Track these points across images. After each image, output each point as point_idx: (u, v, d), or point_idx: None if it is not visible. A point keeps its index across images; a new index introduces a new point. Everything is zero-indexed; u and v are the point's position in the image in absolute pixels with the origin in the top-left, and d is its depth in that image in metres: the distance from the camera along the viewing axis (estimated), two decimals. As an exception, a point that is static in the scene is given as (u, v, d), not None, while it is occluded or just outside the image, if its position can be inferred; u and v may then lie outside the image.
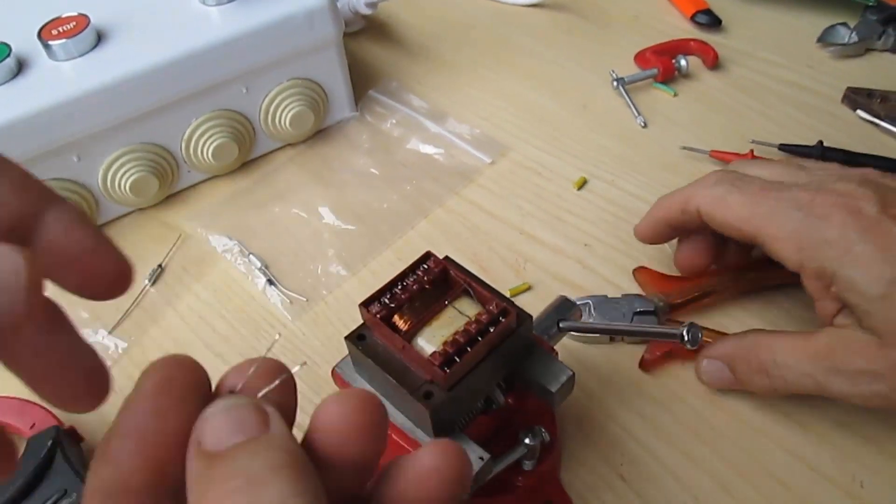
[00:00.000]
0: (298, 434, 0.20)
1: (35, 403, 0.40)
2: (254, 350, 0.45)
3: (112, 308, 0.48)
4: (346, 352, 0.32)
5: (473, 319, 0.30)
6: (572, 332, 0.39)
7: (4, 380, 0.21)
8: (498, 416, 0.35)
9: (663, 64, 0.59)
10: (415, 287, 0.31)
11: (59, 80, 0.48)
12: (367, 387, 0.32)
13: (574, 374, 0.32)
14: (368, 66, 0.66)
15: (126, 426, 0.18)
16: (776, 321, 0.43)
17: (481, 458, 0.29)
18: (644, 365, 0.42)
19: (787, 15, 0.66)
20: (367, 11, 0.64)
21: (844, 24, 0.61)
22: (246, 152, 0.56)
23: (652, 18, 0.67)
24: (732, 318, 0.44)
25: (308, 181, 0.56)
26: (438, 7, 0.72)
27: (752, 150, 0.52)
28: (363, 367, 0.32)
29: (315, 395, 0.43)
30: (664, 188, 0.52)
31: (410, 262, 0.33)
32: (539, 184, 0.53)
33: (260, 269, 0.49)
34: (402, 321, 0.31)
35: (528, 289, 0.47)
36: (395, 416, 0.31)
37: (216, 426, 0.18)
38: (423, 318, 0.30)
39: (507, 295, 0.45)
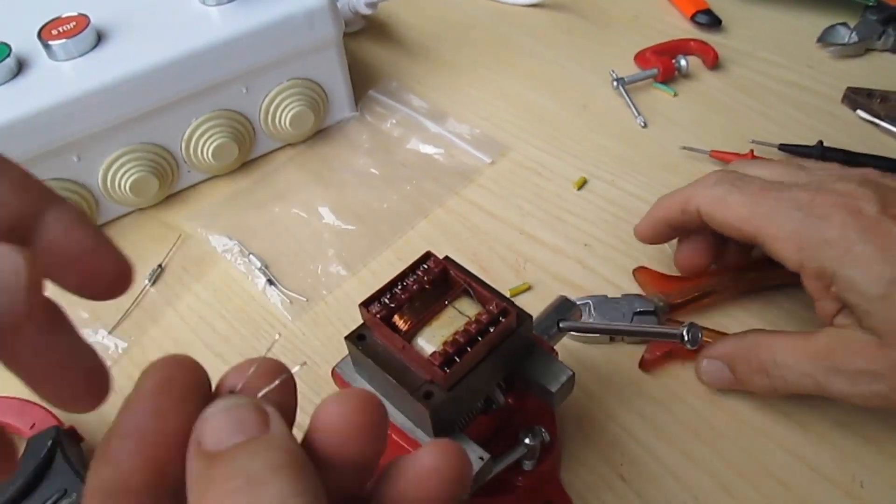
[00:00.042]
0: (298, 434, 0.20)
1: (35, 403, 0.40)
2: (254, 350, 0.45)
3: (112, 308, 0.48)
4: (346, 352, 0.32)
5: (473, 319, 0.30)
6: (572, 333, 0.39)
7: (4, 380, 0.21)
8: (498, 416, 0.35)
9: (663, 64, 0.59)
10: (415, 287, 0.31)
11: (59, 80, 0.48)
12: (368, 387, 0.32)
13: (574, 374, 0.32)
14: (368, 66, 0.66)
15: (126, 426, 0.18)
16: (776, 321, 0.43)
17: (481, 458, 0.29)
18: (644, 365, 0.42)
19: (787, 15, 0.66)
20: (367, 11, 0.64)
21: (844, 24, 0.61)
22: (246, 152, 0.56)
23: (652, 18, 0.67)
24: (732, 318, 0.44)
25: (308, 181, 0.56)
26: (438, 7, 0.72)
27: (752, 150, 0.52)
28: (363, 368, 0.32)
29: (315, 395, 0.43)
30: (664, 188, 0.52)
31: (410, 262, 0.33)
32: (539, 184, 0.53)
33: (260, 269, 0.49)
34: (402, 321, 0.31)
35: (528, 289, 0.47)
36: (395, 416, 0.31)
37: (216, 426, 0.18)
38: (423, 318, 0.30)
39: (508, 295, 0.46)
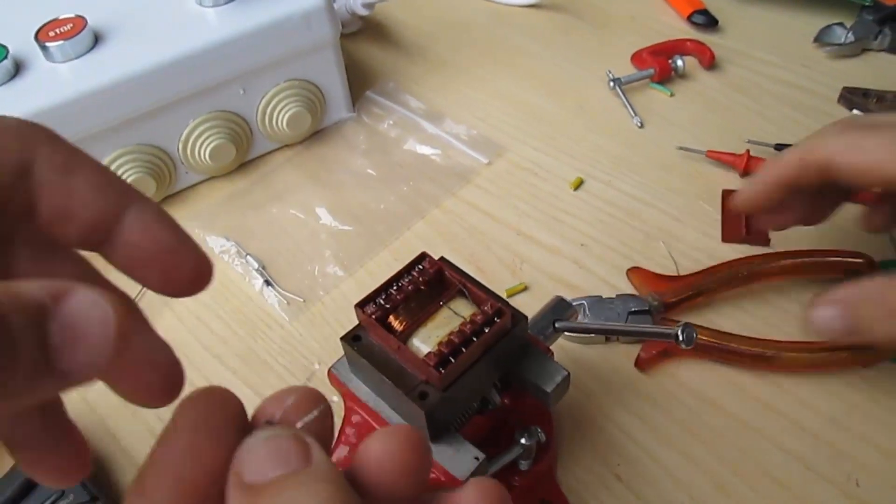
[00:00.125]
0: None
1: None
2: (251, 351, 0.45)
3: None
4: (343, 352, 0.33)
5: (468, 320, 0.30)
6: (568, 333, 0.40)
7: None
8: (494, 417, 0.35)
9: (660, 64, 0.59)
10: (410, 288, 0.31)
11: (56, 81, 0.48)
12: (363, 387, 0.32)
13: (569, 374, 0.33)
14: (365, 66, 0.66)
15: (162, 462, 0.18)
16: (774, 321, 0.44)
17: (476, 459, 0.30)
18: (640, 364, 0.42)
19: (783, 15, 0.66)
20: (364, 12, 0.64)
21: (841, 23, 0.61)
22: (243, 153, 0.56)
23: (648, 19, 0.67)
24: (728, 318, 0.44)
25: (305, 182, 0.56)
26: (435, 8, 0.72)
27: (748, 150, 0.52)
28: (358, 368, 0.32)
29: (312, 395, 0.43)
30: (660, 188, 0.52)
31: (407, 262, 0.33)
32: (536, 184, 0.54)
33: (257, 270, 0.49)
34: (397, 322, 0.31)
35: (525, 289, 0.47)
36: (391, 416, 0.31)
37: (257, 458, 0.18)
38: (418, 318, 0.31)
39: (504, 295, 0.46)
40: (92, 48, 0.50)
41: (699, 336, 0.39)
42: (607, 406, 0.41)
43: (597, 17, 0.69)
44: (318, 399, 0.19)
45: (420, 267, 0.32)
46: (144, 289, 0.20)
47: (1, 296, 0.15)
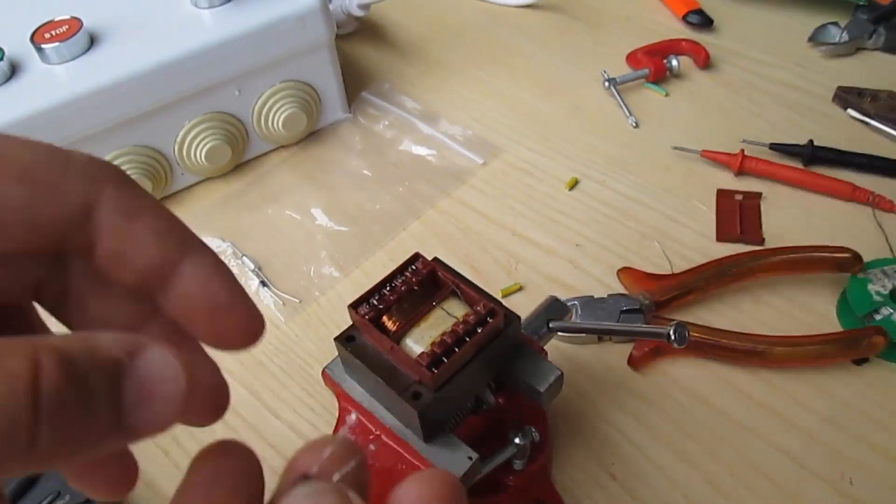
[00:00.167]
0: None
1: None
2: (247, 352, 0.45)
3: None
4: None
5: (461, 320, 0.30)
6: (560, 333, 0.40)
7: None
8: (488, 417, 0.35)
9: (655, 64, 0.59)
10: (403, 288, 0.31)
11: (51, 83, 0.48)
12: (357, 387, 0.32)
13: (562, 373, 0.33)
14: (361, 67, 0.66)
15: None
16: (767, 319, 0.44)
17: (469, 458, 0.30)
18: (632, 362, 0.42)
19: (778, 14, 0.66)
20: (359, 13, 0.64)
21: (835, 23, 0.61)
22: (239, 154, 0.56)
23: (644, 19, 0.68)
24: (721, 315, 0.44)
25: (301, 183, 0.56)
26: (431, 8, 0.72)
27: (742, 150, 0.52)
28: (352, 369, 0.32)
29: (308, 396, 0.43)
30: (656, 188, 0.52)
31: (401, 263, 0.33)
32: (531, 184, 0.54)
33: (253, 271, 0.49)
34: (390, 322, 0.31)
35: (520, 289, 0.47)
36: (385, 417, 0.31)
37: None
38: (411, 319, 0.31)
39: (499, 295, 0.46)
40: (88, 50, 0.50)
41: (692, 334, 0.40)
42: (601, 405, 0.41)
43: (592, 17, 0.69)
44: (354, 450, 0.19)
45: (413, 267, 0.32)
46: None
47: (79, 351, 0.15)
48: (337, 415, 0.33)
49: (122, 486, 0.21)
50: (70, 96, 0.47)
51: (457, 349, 0.29)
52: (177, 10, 0.52)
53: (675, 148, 0.54)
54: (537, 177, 0.54)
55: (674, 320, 0.36)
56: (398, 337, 0.30)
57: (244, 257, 0.50)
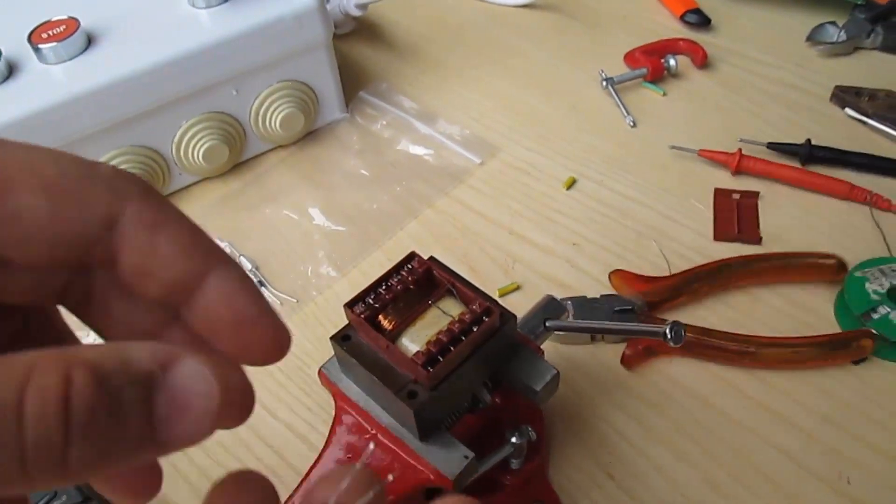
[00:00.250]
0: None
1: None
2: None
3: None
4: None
5: (457, 319, 0.30)
6: (556, 332, 0.40)
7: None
8: (485, 416, 0.35)
9: (652, 63, 0.59)
10: (399, 287, 0.31)
11: (49, 83, 0.48)
12: (353, 386, 0.32)
13: (559, 372, 0.33)
14: (359, 67, 0.66)
15: None
16: (763, 318, 0.44)
17: (466, 458, 0.30)
18: (626, 360, 0.42)
19: (776, 14, 0.66)
20: (357, 13, 0.64)
21: (833, 22, 0.61)
22: (236, 154, 0.56)
23: (641, 18, 0.68)
24: (716, 314, 0.44)
25: (298, 183, 0.56)
26: (429, 8, 0.72)
27: (740, 149, 0.52)
28: (348, 368, 0.32)
29: (305, 395, 0.43)
30: (653, 187, 0.52)
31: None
32: (528, 184, 0.54)
33: (251, 271, 0.49)
34: (386, 321, 0.31)
35: (517, 288, 0.47)
36: (382, 416, 0.31)
37: None
38: (407, 318, 0.31)
39: (497, 295, 0.46)
40: (85, 50, 0.50)
41: (688, 333, 0.40)
42: (598, 405, 0.41)
43: (590, 17, 0.69)
44: (372, 481, 0.19)
45: (409, 266, 0.32)
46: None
47: (111, 364, 0.14)
48: (333, 414, 0.33)
49: (146, 493, 0.20)
50: (67, 96, 0.47)
51: (452, 348, 0.29)
52: (174, 10, 0.52)
53: (673, 147, 0.54)
54: (535, 176, 0.54)
55: (668, 320, 0.36)
56: (394, 336, 0.30)
57: (242, 257, 0.50)
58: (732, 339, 0.41)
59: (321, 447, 0.32)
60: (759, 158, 0.51)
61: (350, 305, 0.31)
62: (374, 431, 0.31)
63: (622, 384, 0.41)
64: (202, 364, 0.16)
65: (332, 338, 0.31)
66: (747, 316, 0.44)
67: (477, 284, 0.32)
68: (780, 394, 0.40)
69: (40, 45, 0.48)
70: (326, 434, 0.32)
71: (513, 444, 0.33)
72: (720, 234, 0.48)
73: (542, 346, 0.37)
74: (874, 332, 0.40)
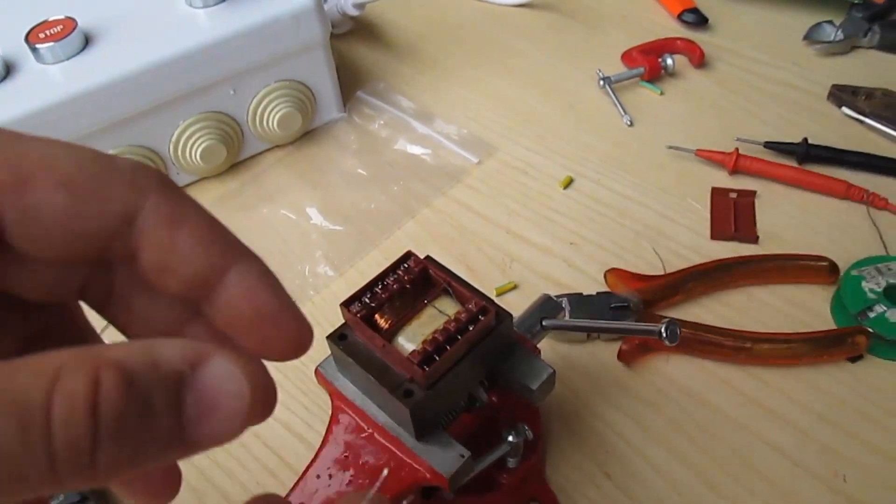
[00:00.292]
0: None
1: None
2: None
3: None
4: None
5: (453, 318, 0.30)
6: (553, 330, 0.40)
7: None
8: (481, 414, 0.35)
9: (650, 63, 0.59)
10: (395, 286, 0.31)
11: (46, 83, 0.48)
12: (350, 385, 0.32)
13: (555, 371, 0.33)
14: (356, 67, 0.66)
15: None
16: (759, 316, 0.44)
17: (462, 456, 0.30)
18: (622, 356, 0.42)
19: (773, 13, 0.66)
20: (354, 13, 0.64)
21: (830, 21, 0.61)
22: (234, 154, 0.56)
23: (639, 17, 0.68)
24: (712, 313, 0.44)
25: (296, 182, 0.56)
26: (426, 8, 0.72)
27: (737, 149, 0.52)
28: (345, 367, 0.32)
29: (302, 394, 0.43)
30: (650, 187, 0.52)
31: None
32: (526, 183, 0.54)
33: (248, 271, 0.49)
34: (382, 320, 0.31)
35: (515, 288, 0.47)
36: (378, 415, 0.31)
37: None
38: (403, 317, 0.31)
39: (494, 294, 0.46)
40: (82, 50, 0.50)
41: (685, 331, 0.40)
42: (595, 403, 0.41)
43: (587, 17, 0.69)
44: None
45: (405, 265, 0.32)
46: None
47: (140, 365, 0.14)
48: (330, 413, 0.33)
49: (166, 494, 0.20)
50: (65, 96, 0.47)
51: (448, 347, 0.29)
52: (171, 10, 0.52)
53: (670, 147, 0.54)
54: (532, 175, 0.54)
55: (665, 317, 0.36)
56: (390, 335, 0.30)
57: (239, 257, 0.50)
58: (728, 335, 0.41)
59: (318, 446, 0.32)
60: (756, 158, 0.51)
61: (346, 304, 0.31)
62: (370, 430, 0.31)
63: (618, 382, 0.41)
64: (232, 363, 0.16)
65: (328, 337, 0.31)
66: (743, 314, 0.44)
67: (474, 284, 0.32)
68: (775, 391, 0.40)
69: (37, 45, 0.48)
70: (323, 433, 0.32)
71: (509, 442, 0.33)
72: (717, 234, 0.48)
73: (539, 345, 0.37)
74: (870, 330, 0.40)
